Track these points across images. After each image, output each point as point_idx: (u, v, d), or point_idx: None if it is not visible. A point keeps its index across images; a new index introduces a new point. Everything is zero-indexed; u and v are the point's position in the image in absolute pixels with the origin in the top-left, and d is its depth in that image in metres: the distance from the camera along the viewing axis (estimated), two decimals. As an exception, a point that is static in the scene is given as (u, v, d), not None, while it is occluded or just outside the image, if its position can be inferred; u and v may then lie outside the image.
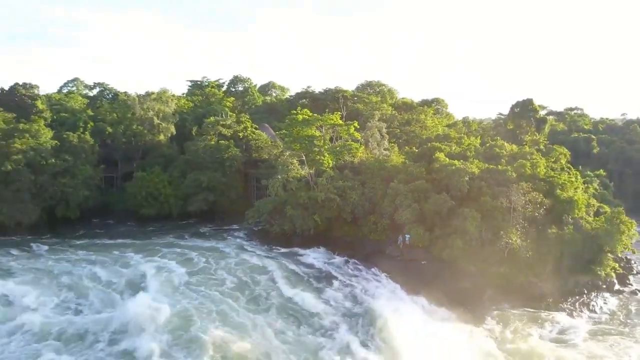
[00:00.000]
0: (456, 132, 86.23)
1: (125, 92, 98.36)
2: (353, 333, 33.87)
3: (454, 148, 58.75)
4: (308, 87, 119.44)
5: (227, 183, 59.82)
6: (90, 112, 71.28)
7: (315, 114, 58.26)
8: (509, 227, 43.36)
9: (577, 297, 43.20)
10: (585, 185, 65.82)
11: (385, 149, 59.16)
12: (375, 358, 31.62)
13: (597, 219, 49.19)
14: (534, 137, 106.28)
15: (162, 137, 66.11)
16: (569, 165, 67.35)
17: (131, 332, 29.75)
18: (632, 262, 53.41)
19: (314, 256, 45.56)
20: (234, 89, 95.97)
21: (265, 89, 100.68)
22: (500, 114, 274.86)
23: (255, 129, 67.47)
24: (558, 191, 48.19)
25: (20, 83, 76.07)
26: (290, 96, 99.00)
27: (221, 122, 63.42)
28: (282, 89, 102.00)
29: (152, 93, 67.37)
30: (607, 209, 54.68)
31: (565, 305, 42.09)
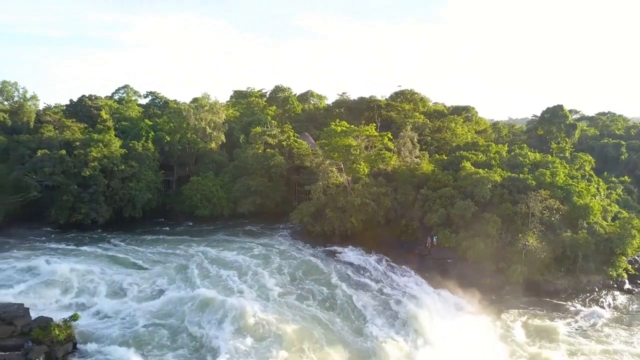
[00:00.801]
0: (485, 140, 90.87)
1: (175, 101, 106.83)
2: (387, 322, 39.71)
3: (480, 156, 63.68)
4: (344, 93, 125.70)
5: (272, 187, 66.37)
6: (148, 122, 79.09)
7: (352, 125, 64.06)
8: (527, 230, 48.32)
9: (588, 294, 47.82)
10: (609, 191, 69.61)
11: (416, 157, 64.48)
12: (405, 344, 37.30)
13: (612, 223, 53.55)
14: (564, 142, 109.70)
15: (213, 145, 73.19)
16: (591, 172, 71.21)
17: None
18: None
19: (351, 254, 51.36)
20: (275, 96, 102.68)
21: (305, 97, 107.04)
22: (535, 115, 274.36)
23: (297, 137, 73.86)
24: (575, 198, 52.64)
25: (87, 95, 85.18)
26: (328, 105, 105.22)
27: (267, 133, 70.06)
28: (320, 97, 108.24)
29: (205, 105, 74.46)
30: (625, 214, 58.67)
31: (576, 301, 46.84)
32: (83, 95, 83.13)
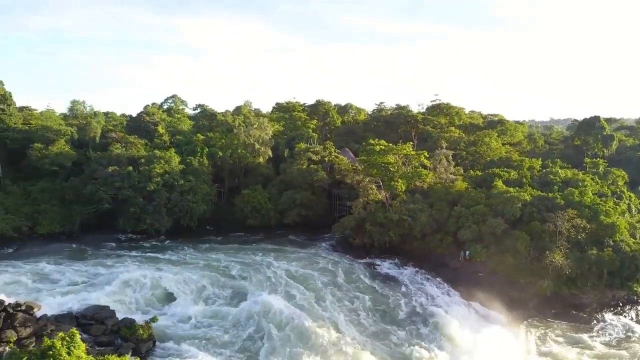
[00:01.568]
0: (519, 153, 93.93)
1: (222, 113, 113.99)
2: (419, 331, 44.41)
3: (512, 174, 67.29)
4: (381, 102, 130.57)
5: (315, 200, 71.89)
6: (200, 136, 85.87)
7: (390, 143, 68.75)
8: (554, 248, 51.95)
9: (612, 309, 51.11)
10: (643, 205, 71.53)
11: (451, 174, 68.64)
12: (437, 353, 41.76)
13: (638, 241, 56.43)
14: (601, 152, 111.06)
15: (261, 159, 79.23)
16: (623, 188, 73.35)
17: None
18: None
19: (389, 266, 56.31)
20: (316, 110, 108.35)
21: (344, 109, 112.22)
22: (575, 120, 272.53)
23: (338, 153, 79.15)
24: (602, 217, 55.79)
25: (144, 110, 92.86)
26: (367, 113, 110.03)
27: (310, 149, 75.60)
28: (359, 110, 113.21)
29: (254, 123, 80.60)
30: (656, 231, 61.03)
31: (601, 315, 50.25)
32: (142, 112, 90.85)
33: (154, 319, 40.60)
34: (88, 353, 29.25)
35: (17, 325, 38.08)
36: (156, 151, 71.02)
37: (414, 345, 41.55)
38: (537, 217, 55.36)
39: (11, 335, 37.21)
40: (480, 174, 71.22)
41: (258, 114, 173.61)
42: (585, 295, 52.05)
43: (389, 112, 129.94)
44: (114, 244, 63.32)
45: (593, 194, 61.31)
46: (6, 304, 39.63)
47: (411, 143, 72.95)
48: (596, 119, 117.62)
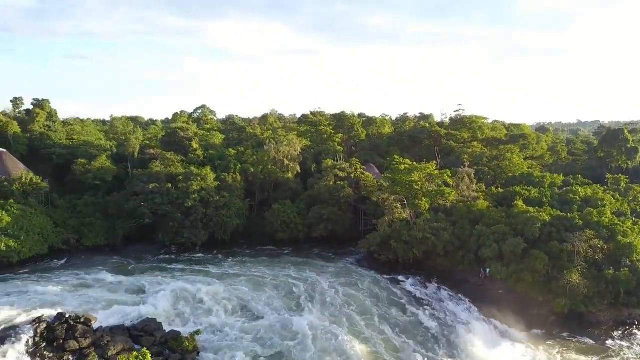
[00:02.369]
0: (541, 169, 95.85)
1: (250, 125, 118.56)
2: (440, 346, 47.47)
3: (532, 192, 69.65)
4: (405, 113, 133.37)
5: (341, 215, 75.30)
6: (232, 151, 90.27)
7: (414, 162, 71.82)
8: (572, 267, 54.30)
9: (628, 328, 53.28)
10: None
11: (473, 191, 71.32)
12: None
13: (656, 261, 58.22)
14: (625, 165, 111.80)
15: (290, 174, 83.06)
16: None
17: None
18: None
19: (412, 282, 59.48)
20: (341, 124, 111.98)
21: (369, 122, 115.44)
22: (602, 126, 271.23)
23: (363, 169, 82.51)
24: (619, 237, 57.85)
25: (179, 127, 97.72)
26: (392, 129, 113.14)
27: (337, 167, 79.14)
28: (383, 122, 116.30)
29: (284, 140, 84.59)
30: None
31: (617, 333, 52.48)
32: (176, 127, 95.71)
33: (198, 332, 44.66)
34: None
35: (78, 336, 42.49)
36: (192, 168, 75.46)
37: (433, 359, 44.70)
38: (555, 237, 57.70)
39: (73, 345, 41.65)
40: (501, 190, 73.76)
41: (283, 122, 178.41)
42: (602, 314, 54.26)
43: (412, 123, 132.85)
44: (154, 257, 68.02)
45: (612, 213, 63.26)
46: (67, 316, 44.30)
47: (434, 162, 75.79)
48: (620, 131, 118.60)
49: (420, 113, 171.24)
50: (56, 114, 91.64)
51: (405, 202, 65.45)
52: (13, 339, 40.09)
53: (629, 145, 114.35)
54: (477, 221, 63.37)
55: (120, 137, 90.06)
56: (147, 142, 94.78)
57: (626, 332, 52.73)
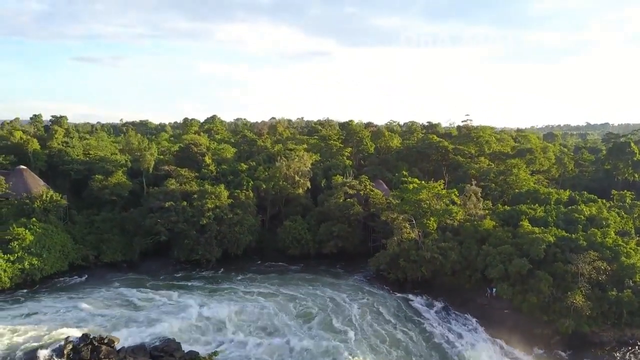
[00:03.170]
0: (547, 182, 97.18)
1: (262, 139, 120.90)
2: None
3: (538, 211, 71.26)
4: (412, 123, 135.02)
5: (351, 232, 77.23)
6: (244, 165, 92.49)
7: (422, 181, 73.67)
8: (575, 288, 55.92)
9: (630, 348, 54.80)
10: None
11: (480, 210, 73.04)
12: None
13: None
14: (632, 178, 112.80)
15: (300, 190, 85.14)
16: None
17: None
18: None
19: (420, 301, 61.46)
20: (350, 138, 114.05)
21: (377, 135, 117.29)
22: (610, 133, 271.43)
23: (372, 185, 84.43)
24: (623, 258, 59.40)
25: (192, 142, 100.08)
26: (399, 142, 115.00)
27: (347, 184, 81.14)
28: (392, 136, 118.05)
29: (296, 157, 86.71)
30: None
31: (619, 353, 53.99)
32: (189, 143, 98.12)
33: (215, 353, 46.72)
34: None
35: (102, 357, 44.80)
36: (207, 186, 77.73)
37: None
38: (560, 258, 59.34)
39: (98, 366, 43.91)
40: (508, 209, 75.36)
41: (292, 127, 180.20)
42: (605, 334, 55.80)
43: (420, 135, 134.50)
44: (170, 274, 70.31)
45: (616, 233, 64.80)
46: (91, 337, 46.64)
47: (442, 181, 77.48)
48: (626, 144, 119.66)
49: (428, 122, 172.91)
50: (74, 129, 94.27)
51: (414, 221, 67.29)
52: (41, 360, 42.51)
53: (635, 158, 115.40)
54: (484, 241, 65.13)
55: (135, 153, 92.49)
56: (161, 156, 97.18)
57: (629, 352, 54.20)
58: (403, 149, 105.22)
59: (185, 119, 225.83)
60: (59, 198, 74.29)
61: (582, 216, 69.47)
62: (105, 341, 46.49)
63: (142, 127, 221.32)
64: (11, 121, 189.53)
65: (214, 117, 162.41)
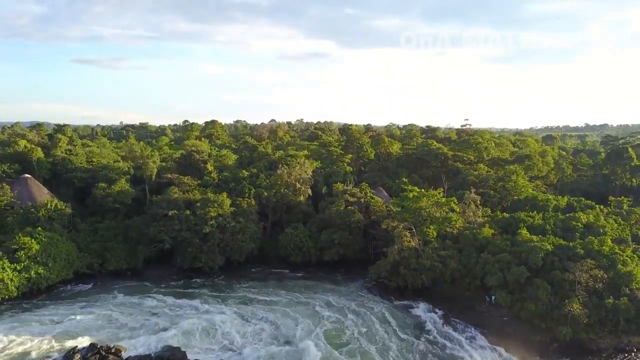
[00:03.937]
0: (546, 187, 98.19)
1: (262, 145, 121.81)
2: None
3: (536, 219, 72.32)
4: (412, 124, 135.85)
5: (352, 239, 78.23)
6: (245, 172, 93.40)
7: (422, 189, 74.69)
8: (573, 296, 56.95)
9: (627, 355, 55.80)
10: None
11: (479, 217, 74.07)
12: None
13: (655, 289, 60.70)
14: (629, 183, 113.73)
15: (301, 197, 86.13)
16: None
17: None
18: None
19: (420, 308, 62.43)
20: (350, 145, 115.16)
21: (377, 141, 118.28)
22: (608, 135, 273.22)
23: (373, 193, 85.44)
24: (619, 266, 60.44)
25: (194, 149, 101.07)
26: (400, 149, 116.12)
27: (348, 192, 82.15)
28: (392, 142, 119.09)
29: (297, 164, 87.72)
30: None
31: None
32: (192, 150, 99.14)
33: (220, 362, 47.81)
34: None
35: (110, 366, 45.82)
36: (209, 194, 78.71)
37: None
38: (558, 266, 60.35)
39: (106, 376, 44.91)
40: (506, 216, 76.40)
41: (291, 130, 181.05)
42: (603, 341, 56.75)
43: (419, 139, 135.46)
44: (174, 281, 71.29)
45: (612, 241, 65.82)
46: (99, 346, 47.64)
47: (442, 189, 78.52)
48: (624, 149, 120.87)
49: (427, 126, 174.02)
50: (77, 137, 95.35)
51: (414, 229, 68.31)
52: (51, 371, 43.46)
53: (632, 163, 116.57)
54: (483, 249, 66.14)
55: (138, 160, 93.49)
56: (164, 163, 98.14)
57: (626, 359, 55.24)
58: (403, 155, 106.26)
59: (186, 122, 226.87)
60: (63, 206, 75.30)
61: (579, 224, 70.52)
62: (113, 350, 47.59)
63: (142, 130, 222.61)
64: (12, 125, 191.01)
65: (213, 122, 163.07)
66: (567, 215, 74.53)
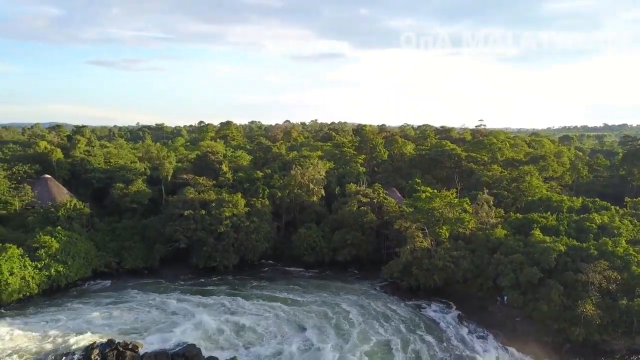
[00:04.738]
0: (561, 188, 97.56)
1: (277, 145, 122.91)
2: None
3: (550, 220, 72.07)
4: (426, 124, 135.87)
5: (364, 240, 78.80)
6: (259, 173, 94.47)
7: (435, 189, 74.93)
8: (586, 297, 56.79)
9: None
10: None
11: (491, 218, 74.08)
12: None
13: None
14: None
15: (315, 198, 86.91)
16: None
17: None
18: None
19: (432, 308, 62.81)
20: (363, 145, 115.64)
21: (390, 142, 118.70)
22: (627, 135, 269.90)
23: (386, 193, 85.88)
24: (634, 267, 60.10)
25: (210, 150, 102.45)
26: (413, 152, 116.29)
27: (361, 192, 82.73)
28: (405, 143, 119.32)
29: (309, 166, 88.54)
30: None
31: (630, 362, 54.87)
32: (207, 151, 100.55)
33: (234, 358, 48.72)
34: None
35: (127, 362, 47.04)
36: (224, 194, 79.89)
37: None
38: (571, 267, 60.18)
39: (124, 371, 46.15)
40: (520, 217, 76.22)
41: (306, 131, 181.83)
42: (616, 342, 56.49)
43: (433, 140, 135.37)
44: (189, 280, 72.58)
45: (627, 242, 65.36)
46: (116, 342, 48.92)
47: (455, 189, 78.65)
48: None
49: (442, 126, 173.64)
50: (95, 138, 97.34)
51: (426, 230, 68.63)
52: (70, 365, 44.83)
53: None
54: (495, 249, 66.17)
55: (154, 161, 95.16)
56: (179, 164, 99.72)
57: (640, 361, 55.01)
58: (416, 156, 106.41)
59: (201, 123, 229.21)
60: (82, 206, 77.05)
61: (593, 225, 70.13)
62: (130, 347, 48.80)
63: (158, 131, 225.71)
64: (32, 127, 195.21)
65: (228, 123, 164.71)
66: (582, 216, 74.08)
